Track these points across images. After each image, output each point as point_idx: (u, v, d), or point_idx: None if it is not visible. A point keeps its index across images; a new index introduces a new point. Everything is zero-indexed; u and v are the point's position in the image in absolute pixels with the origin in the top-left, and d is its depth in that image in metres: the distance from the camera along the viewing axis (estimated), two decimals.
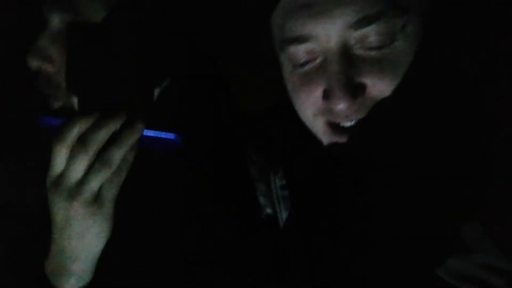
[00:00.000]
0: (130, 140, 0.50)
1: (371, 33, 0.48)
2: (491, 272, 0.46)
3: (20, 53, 0.60)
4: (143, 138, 0.51)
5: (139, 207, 0.57)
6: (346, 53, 0.49)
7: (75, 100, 0.58)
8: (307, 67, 0.52)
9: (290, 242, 0.61)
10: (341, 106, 0.50)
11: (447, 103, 0.51)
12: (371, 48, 0.49)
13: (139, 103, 0.54)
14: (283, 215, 0.62)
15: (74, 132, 0.48)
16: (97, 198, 0.50)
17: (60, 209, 0.50)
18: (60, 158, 0.49)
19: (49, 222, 0.52)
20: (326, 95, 0.51)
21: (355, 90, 0.49)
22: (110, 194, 0.50)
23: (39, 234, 0.53)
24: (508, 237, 0.45)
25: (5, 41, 0.69)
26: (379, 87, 0.49)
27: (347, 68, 0.49)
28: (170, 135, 0.55)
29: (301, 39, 0.51)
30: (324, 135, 0.55)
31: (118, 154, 0.49)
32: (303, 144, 0.61)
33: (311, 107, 0.54)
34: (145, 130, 0.51)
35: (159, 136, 0.55)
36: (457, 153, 0.50)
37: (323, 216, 0.59)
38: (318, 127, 0.55)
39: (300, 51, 0.52)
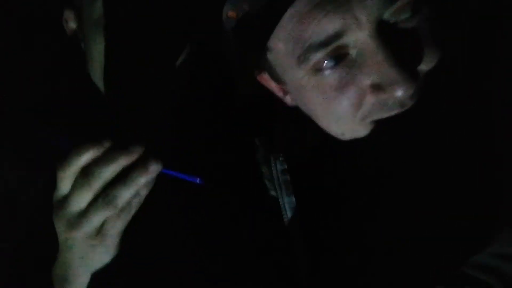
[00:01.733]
0: (142, 181, 0.45)
1: (404, 4, 0.42)
2: (504, 260, 0.47)
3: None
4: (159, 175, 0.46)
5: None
6: (383, 35, 0.42)
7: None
8: (338, 70, 0.45)
9: (291, 229, 0.59)
10: (403, 92, 0.42)
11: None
12: (404, 21, 0.43)
13: (161, 137, 0.48)
14: (284, 199, 0.60)
15: (79, 162, 0.44)
16: (99, 232, 0.46)
17: (61, 232, 0.47)
18: (63, 184, 0.45)
19: None
20: (378, 89, 0.44)
21: (413, 69, 0.43)
22: (114, 230, 0.46)
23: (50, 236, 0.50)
24: None
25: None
26: (427, 60, 0.44)
27: (394, 50, 0.42)
28: (193, 178, 0.49)
29: (331, 39, 0.43)
30: (366, 133, 0.49)
31: (126, 195, 0.44)
32: (304, 129, 0.58)
33: (356, 112, 0.46)
34: (164, 169, 0.46)
35: (179, 176, 0.48)
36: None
37: (324, 205, 0.57)
38: (360, 131, 0.49)
39: (328, 53, 0.44)
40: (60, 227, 0.47)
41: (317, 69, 0.45)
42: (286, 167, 0.59)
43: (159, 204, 0.50)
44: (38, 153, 0.60)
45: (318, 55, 0.44)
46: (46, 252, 0.51)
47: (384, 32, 0.42)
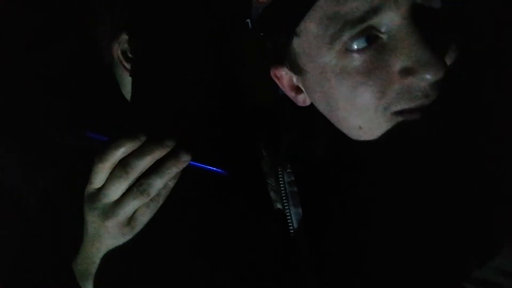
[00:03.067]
0: (174, 171, 0.48)
1: None
2: (507, 277, 0.45)
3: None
4: (187, 167, 0.50)
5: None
6: (417, 18, 0.43)
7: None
8: (368, 53, 0.44)
9: (298, 240, 0.59)
10: (433, 74, 0.42)
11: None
12: (435, 7, 0.43)
13: (189, 132, 0.52)
14: (291, 211, 0.60)
15: (118, 154, 0.47)
16: (130, 220, 0.49)
17: (92, 223, 0.49)
18: (99, 176, 0.48)
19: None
20: (407, 73, 0.44)
21: (443, 54, 0.43)
22: (145, 218, 0.50)
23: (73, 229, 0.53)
24: None
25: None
26: (452, 49, 0.44)
27: (426, 33, 0.42)
28: (218, 170, 0.53)
29: (367, 15, 0.42)
30: (384, 127, 0.48)
31: (159, 184, 0.48)
32: (312, 138, 0.59)
33: (380, 100, 0.45)
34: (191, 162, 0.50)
35: (205, 168, 0.52)
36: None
37: (330, 216, 0.57)
38: (380, 124, 0.47)
39: (361, 31, 0.43)
40: (93, 217, 0.49)
41: (347, 50, 0.45)
42: (293, 178, 0.60)
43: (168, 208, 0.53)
44: (42, 151, 0.64)
45: (352, 32, 0.43)
46: (50, 248, 0.55)
47: (417, 15, 0.43)
